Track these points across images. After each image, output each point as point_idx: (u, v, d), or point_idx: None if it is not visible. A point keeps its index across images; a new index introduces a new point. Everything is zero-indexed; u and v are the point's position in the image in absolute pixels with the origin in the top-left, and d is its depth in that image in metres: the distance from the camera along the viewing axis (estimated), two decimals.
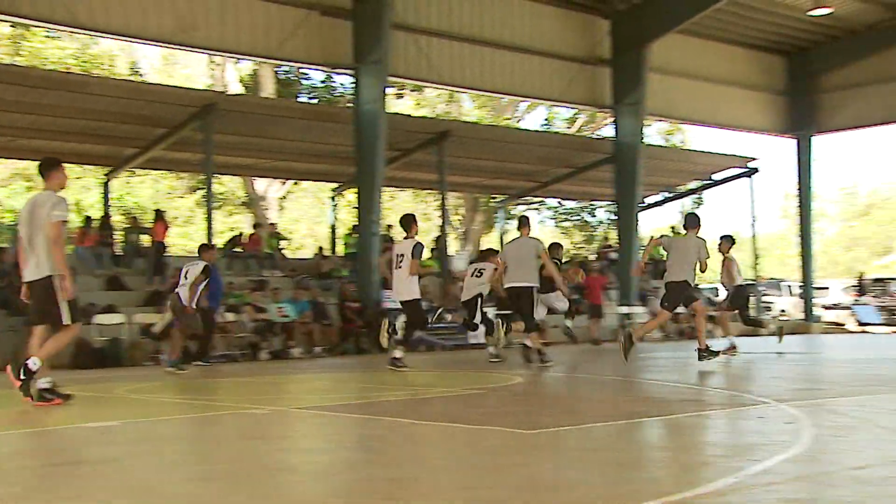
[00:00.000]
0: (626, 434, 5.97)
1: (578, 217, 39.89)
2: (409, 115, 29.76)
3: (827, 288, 34.91)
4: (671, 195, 32.14)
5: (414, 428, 6.40)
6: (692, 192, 33.30)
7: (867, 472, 4.44)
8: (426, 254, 16.30)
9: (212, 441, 6.22)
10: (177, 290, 13.46)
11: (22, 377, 7.72)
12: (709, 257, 11.80)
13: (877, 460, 4.75)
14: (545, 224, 41.31)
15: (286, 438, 6.31)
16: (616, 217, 26.21)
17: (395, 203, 38.53)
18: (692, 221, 12.08)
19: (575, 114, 36.50)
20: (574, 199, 36.23)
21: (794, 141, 29.73)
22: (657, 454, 5.20)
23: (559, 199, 36.89)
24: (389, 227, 22.46)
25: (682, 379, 10.57)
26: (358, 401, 8.99)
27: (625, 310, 23.04)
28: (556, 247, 15.61)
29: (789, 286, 35.89)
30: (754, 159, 28.30)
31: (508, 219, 32.79)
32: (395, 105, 32.31)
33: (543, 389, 9.83)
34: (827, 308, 32.27)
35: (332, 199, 26.32)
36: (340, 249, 24.43)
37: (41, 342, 7.95)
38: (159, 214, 20.89)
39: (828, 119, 29.35)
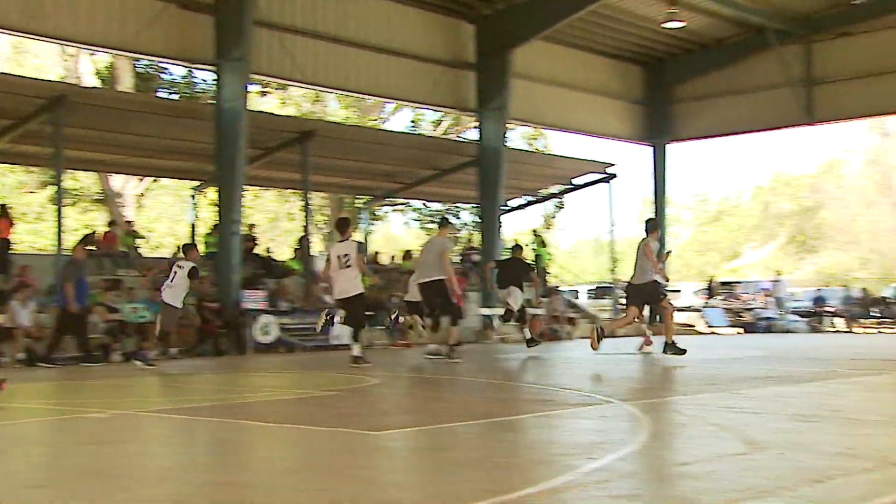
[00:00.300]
0: (472, 434, 6.05)
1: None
2: (273, 114, 29.31)
3: (679, 291, 36.27)
4: (533, 199, 32.77)
5: (261, 430, 6.31)
6: (553, 195, 34.02)
7: (693, 467, 4.64)
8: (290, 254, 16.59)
9: (51, 446, 5.98)
10: (162, 288, 13.98)
11: None
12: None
13: (704, 456, 4.96)
14: (409, 225, 41.46)
15: (128, 442, 6.11)
16: (479, 220, 26.54)
17: (258, 202, 37.95)
18: (652, 226, 13.02)
19: (441, 116, 36.77)
20: (438, 201, 36.47)
21: (651, 148, 30.80)
22: (499, 454, 5.29)
23: (424, 201, 37.07)
24: (251, 226, 22.09)
25: (537, 380, 10.80)
26: (209, 403, 8.79)
27: (486, 311, 23.34)
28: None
29: None
30: (613, 165, 29.16)
31: (373, 219, 32.74)
32: (259, 103, 31.79)
33: (398, 391, 9.87)
34: (679, 310, 33.51)
35: (193, 197, 25.68)
36: (201, 249, 23.83)
37: None
38: (4, 210, 19.90)
39: (682, 128, 30.52)
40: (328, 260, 13.06)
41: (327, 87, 24.87)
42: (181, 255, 15.54)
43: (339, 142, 23.39)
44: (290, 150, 22.16)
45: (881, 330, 28.59)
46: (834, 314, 30.11)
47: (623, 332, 15.98)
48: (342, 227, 13.21)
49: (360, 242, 13.07)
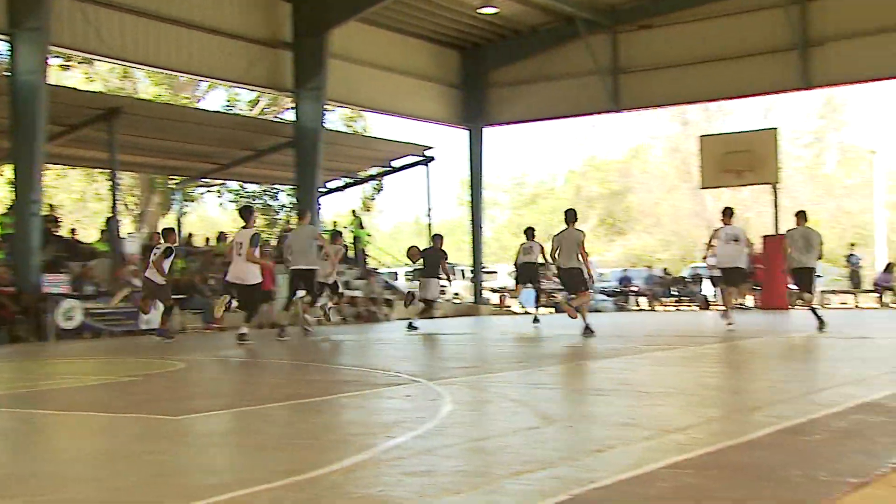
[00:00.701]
0: (275, 417, 6.00)
1: (261, 200, 39.50)
2: (76, 89, 27.87)
3: (496, 272, 37.21)
4: (352, 180, 32.72)
5: (54, 419, 6.04)
6: (372, 177, 34.08)
7: (488, 442, 4.79)
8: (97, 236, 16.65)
9: None
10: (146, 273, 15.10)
11: None
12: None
13: (498, 431, 5.13)
14: (225, 207, 40.54)
15: None
16: (297, 201, 26.24)
17: (63, 182, 36.14)
18: (571, 216, 13.70)
19: (257, 96, 36.09)
20: (256, 183, 35.82)
21: (467, 132, 31.35)
22: (301, 435, 5.28)
23: (240, 182, 36.31)
24: (52, 206, 20.96)
25: (351, 362, 10.82)
26: None
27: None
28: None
29: (462, 270, 37.88)
30: (431, 148, 29.48)
31: (187, 200, 31.77)
32: (62, 77, 30.19)
33: (206, 375, 9.66)
34: (495, 291, 34.41)
35: None
36: None
37: None
38: None
39: (497, 112, 31.20)
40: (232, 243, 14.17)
41: (136, 64, 23.84)
42: None
43: (148, 120, 22.51)
44: (96, 128, 21.14)
45: (679, 308, 30.36)
46: (638, 293, 31.70)
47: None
48: (245, 214, 13.94)
49: (256, 233, 13.58)
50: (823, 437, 4.56)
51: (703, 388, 7.20)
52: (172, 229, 17.12)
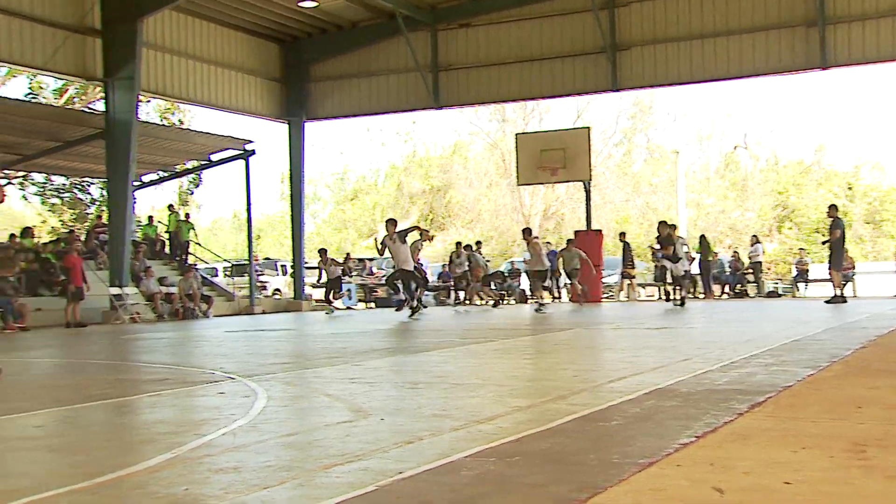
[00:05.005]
0: (76, 418, 5.78)
1: (70, 194, 37.72)
2: None
3: (317, 268, 36.93)
4: (168, 174, 31.75)
5: None
6: (189, 171, 33.19)
7: (299, 437, 4.79)
8: None
9: None
10: None
11: None
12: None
13: (311, 426, 5.14)
14: (29, 201, 38.44)
15: None
16: (108, 194, 25.21)
17: None
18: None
19: (64, 85, 34.40)
20: (63, 175, 34.17)
21: (287, 126, 31.00)
22: (101, 436, 5.10)
23: (46, 175, 34.52)
24: None
25: (165, 360, 10.52)
26: None
27: (115, 290, 22.29)
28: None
29: (283, 266, 37.43)
30: (251, 142, 28.96)
31: None
32: None
33: (3, 377, 9.14)
34: (316, 286, 34.18)
35: None
36: None
37: None
38: None
39: (318, 107, 31.03)
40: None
41: None
42: None
43: None
44: None
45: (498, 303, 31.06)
46: (457, 288, 32.21)
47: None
48: None
49: None
50: (619, 423, 4.81)
51: (514, 379, 7.44)
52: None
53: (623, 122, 54.05)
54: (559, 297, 29.02)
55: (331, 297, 26.00)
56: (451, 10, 28.68)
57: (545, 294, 23.29)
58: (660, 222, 22.25)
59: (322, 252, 25.69)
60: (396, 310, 19.90)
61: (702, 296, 28.96)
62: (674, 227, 21.89)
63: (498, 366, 8.86)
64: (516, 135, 31.96)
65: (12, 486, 3.75)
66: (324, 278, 26.21)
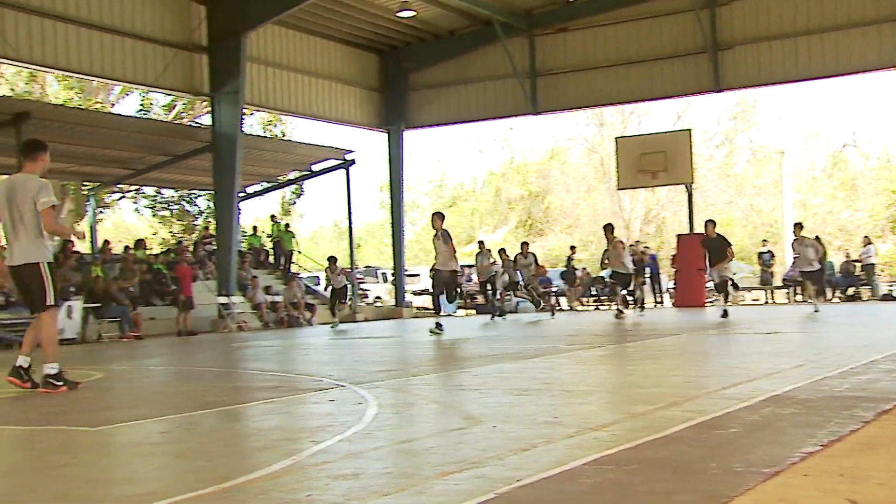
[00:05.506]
0: (196, 425, 5.93)
1: (178, 206, 38.90)
2: None
3: (418, 275, 37.23)
4: (271, 185, 32.46)
5: None
6: (292, 182, 33.86)
7: (414, 444, 4.82)
8: None
9: None
10: None
11: (25, 378, 8.05)
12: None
13: (424, 433, 5.17)
14: (141, 213, 39.79)
15: None
16: (215, 206, 25.92)
17: None
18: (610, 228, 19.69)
19: (172, 100, 35.52)
20: (172, 188, 35.26)
21: (386, 135, 31.35)
22: (221, 442, 5.23)
23: (157, 188, 35.69)
24: None
25: (274, 367, 10.73)
26: None
27: (223, 300, 22.89)
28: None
29: (384, 273, 37.81)
30: (351, 151, 29.42)
31: (101, 206, 31.07)
32: None
33: (123, 384, 9.48)
34: (416, 294, 34.45)
35: None
36: None
37: (32, 343, 8.18)
38: None
39: (417, 115, 31.30)
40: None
41: (46, 67, 23.11)
42: None
43: (59, 125, 22.00)
44: (3, 134, 20.58)
45: (598, 307, 30.82)
46: (558, 294, 32.08)
47: None
48: None
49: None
50: (738, 430, 4.70)
51: (624, 386, 7.35)
52: None
53: (725, 123, 52.95)
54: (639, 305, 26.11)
55: (335, 307, 23.16)
56: (548, 16, 28.58)
57: (637, 299, 22.13)
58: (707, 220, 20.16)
59: (331, 260, 23.43)
60: (493, 317, 19.52)
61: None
62: (799, 225, 20.75)
63: (606, 372, 8.76)
64: (616, 138, 31.62)
65: (145, 490, 3.88)
66: (330, 286, 23.21)
